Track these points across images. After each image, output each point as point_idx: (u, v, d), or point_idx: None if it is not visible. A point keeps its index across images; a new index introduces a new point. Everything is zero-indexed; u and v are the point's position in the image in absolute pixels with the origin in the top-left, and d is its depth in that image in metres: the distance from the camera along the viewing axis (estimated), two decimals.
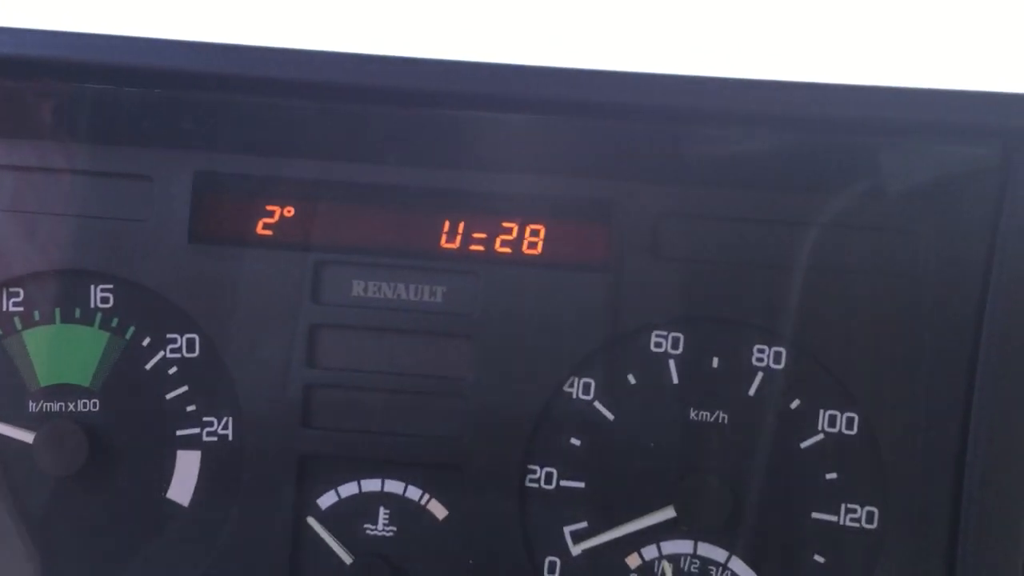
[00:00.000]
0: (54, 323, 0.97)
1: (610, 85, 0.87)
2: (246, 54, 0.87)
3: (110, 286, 0.97)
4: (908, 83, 0.82)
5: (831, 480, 0.93)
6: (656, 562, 0.94)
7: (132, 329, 0.97)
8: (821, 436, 0.93)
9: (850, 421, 0.93)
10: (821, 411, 0.94)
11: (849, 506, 0.93)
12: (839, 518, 0.93)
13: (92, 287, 0.97)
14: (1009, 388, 0.86)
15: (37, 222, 0.98)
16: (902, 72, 0.83)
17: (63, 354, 0.97)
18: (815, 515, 0.93)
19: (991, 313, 0.86)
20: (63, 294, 0.97)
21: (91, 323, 0.97)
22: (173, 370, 0.97)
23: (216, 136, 0.96)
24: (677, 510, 0.92)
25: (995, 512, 0.88)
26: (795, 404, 0.94)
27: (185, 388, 0.97)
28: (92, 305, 0.97)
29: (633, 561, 0.95)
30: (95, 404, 0.97)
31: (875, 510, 0.93)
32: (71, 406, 0.96)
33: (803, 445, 0.93)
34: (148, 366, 0.97)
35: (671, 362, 0.95)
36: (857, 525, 0.93)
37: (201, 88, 0.89)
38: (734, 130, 0.89)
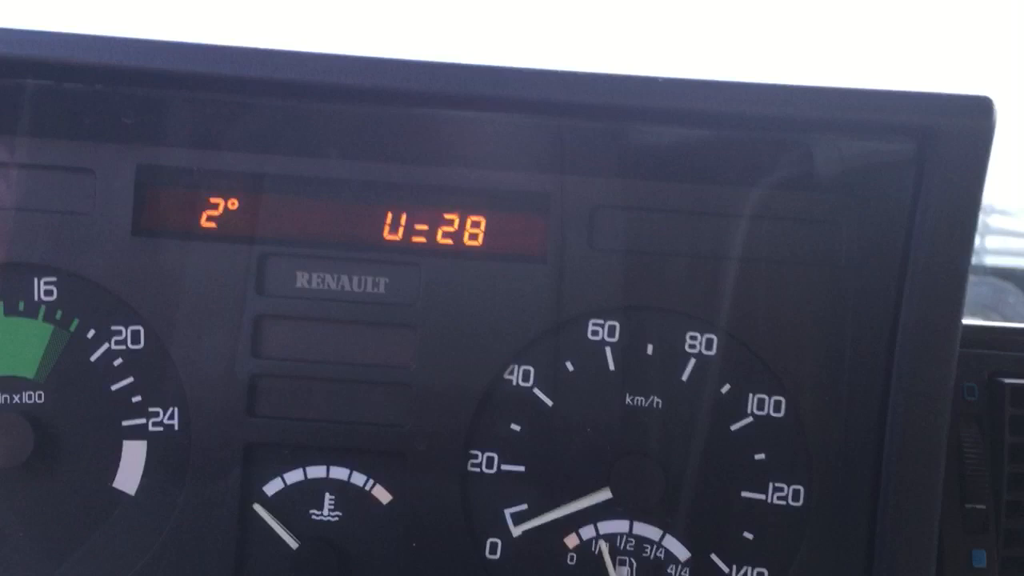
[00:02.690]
0: None
1: (547, 83, 0.89)
2: (187, 51, 0.88)
3: (54, 279, 0.98)
4: (829, 83, 0.86)
5: (759, 460, 0.97)
6: (593, 541, 0.98)
7: (76, 321, 0.98)
8: (750, 419, 0.98)
9: (777, 404, 0.98)
10: (750, 395, 0.98)
11: (776, 485, 0.97)
12: (767, 496, 0.97)
13: (36, 280, 0.98)
14: (925, 372, 0.91)
15: None
16: (824, 71, 0.87)
17: (7, 346, 0.97)
18: (744, 494, 0.97)
19: (908, 301, 0.91)
20: (6, 287, 0.98)
21: (35, 316, 0.98)
22: (118, 361, 0.98)
23: (159, 130, 0.97)
24: (613, 491, 0.96)
25: (912, 490, 0.92)
26: (726, 388, 0.98)
27: (130, 379, 0.98)
28: (36, 298, 0.98)
29: (571, 541, 0.98)
30: (40, 396, 0.97)
31: (801, 488, 0.97)
32: (16, 398, 0.97)
33: (733, 428, 0.98)
34: (93, 358, 0.98)
35: (607, 349, 0.98)
36: (784, 503, 0.97)
37: (143, 84, 0.89)
38: (666, 126, 0.92)
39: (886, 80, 0.86)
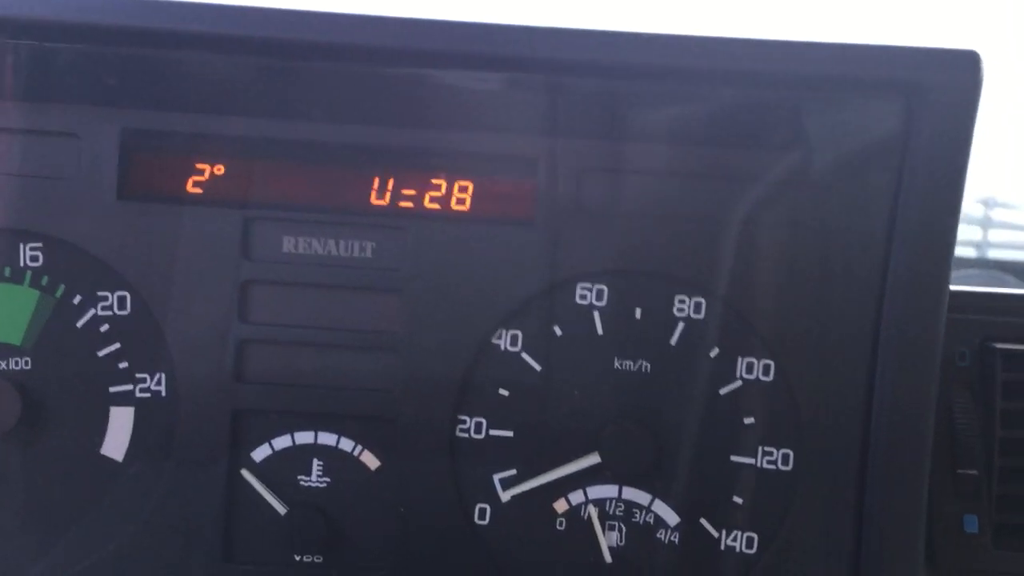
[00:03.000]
0: None
1: (535, 41, 0.88)
2: (172, 9, 0.88)
3: (39, 244, 0.97)
4: (815, 38, 0.85)
5: (749, 424, 0.97)
6: (582, 506, 0.98)
7: (62, 287, 0.98)
8: (739, 383, 0.97)
9: (767, 368, 0.97)
10: (739, 359, 0.97)
11: (766, 449, 0.97)
12: (756, 461, 0.97)
13: (21, 245, 0.97)
14: (912, 335, 0.90)
15: None
16: (809, 27, 0.86)
17: None
18: (734, 458, 0.97)
19: (895, 263, 0.90)
20: None
21: (21, 282, 0.97)
22: (105, 328, 0.98)
23: (144, 93, 0.96)
24: (602, 456, 0.96)
25: (901, 455, 0.92)
26: (714, 353, 0.97)
27: (117, 345, 0.98)
28: (21, 264, 0.97)
29: (560, 506, 0.98)
30: (27, 362, 0.97)
31: (790, 452, 0.97)
32: (2, 364, 0.97)
33: (722, 391, 0.97)
34: (79, 324, 0.97)
35: (596, 313, 0.98)
36: (773, 467, 0.97)
37: (127, 44, 0.89)
38: (654, 86, 0.91)
39: (873, 35, 0.86)
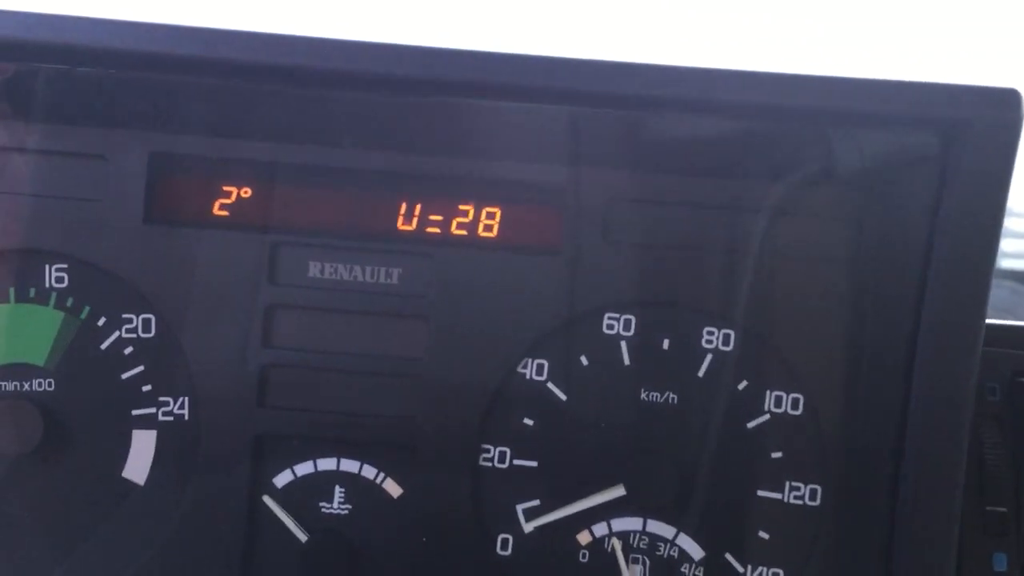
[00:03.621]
0: (8, 302, 0.97)
1: (564, 71, 0.88)
2: (201, 36, 0.87)
3: (65, 266, 0.97)
4: (852, 73, 0.84)
5: (776, 459, 0.96)
6: (606, 539, 0.97)
7: (87, 309, 0.97)
8: (767, 416, 0.96)
9: (795, 402, 0.96)
10: (768, 392, 0.96)
11: (793, 484, 0.96)
12: (783, 495, 0.96)
13: (47, 267, 0.97)
14: (947, 373, 0.89)
15: None
16: (847, 63, 0.85)
17: (18, 333, 0.97)
18: (760, 492, 0.96)
19: (930, 299, 0.89)
20: (18, 273, 0.97)
21: (46, 302, 0.97)
22: (129, 350, 0.97)
23: (172, 117, 0.96)
24: (627, 488, 0.94)
25: (931, 493, 0.90)
26: (743, 385, 0.96)
27: (141, 368, 0.97)
28: (47, 285, 0.97)
29: (584, 538, 0.97)
30: (50, 383, 0.97)
31: (818, 488, 0.96)
32: (26, 385, 0.97)
33: (750, 425, 0.96)
34: (103, 346, 0.97)
35: (623, 344, 0.97)
36: (800, 502, 0.96)
37: (157, 70, 0.88)
38: (684, 117, 0.90)
39: (912, 71, 0.85)
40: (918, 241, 0.90)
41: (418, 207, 0.98)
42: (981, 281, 0.88)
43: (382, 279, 0.98)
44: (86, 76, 0.91)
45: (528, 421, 0.97)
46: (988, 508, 1.02)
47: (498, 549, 0.97)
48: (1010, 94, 0.84)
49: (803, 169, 0.94)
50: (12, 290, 0.97)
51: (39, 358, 0.97)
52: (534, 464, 0.97)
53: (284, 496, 0.97)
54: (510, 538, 0.97)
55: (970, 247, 0.88)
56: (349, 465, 0.98)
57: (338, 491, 0.98)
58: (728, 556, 0.96)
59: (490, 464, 0.97)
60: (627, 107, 0.89)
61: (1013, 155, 0.84)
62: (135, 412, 0.97)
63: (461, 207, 0.98)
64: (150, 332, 0.97)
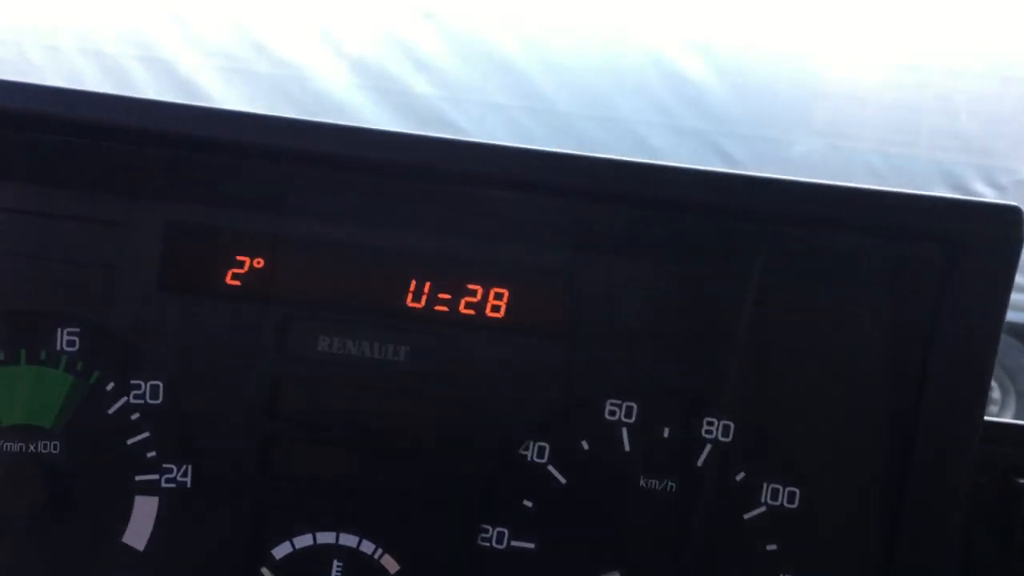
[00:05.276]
0: (19, 363, 0.98)
1: (568, 168, 0.90)
2: (219, 118, 0.90)
3: (77, 329, 0.98)
4: (855, 183, 0.87)
5: (771, 551, 0.97)
6: None
7: (97, 373, 0.98)
8: (764, 508, 0.97)
9: (792, 495, 0.97)
10: (765, 484, 0.97)
11: None
12: None
13: (59, 330, 0.98)
14: (942, 475, 0.91)
15: (6, 263, 0.99)
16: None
17: (27, 395, 0.98)
18: None
19: (927, 401, 0.90)
20: (30, 335, 0.98)
21: (56, 365, 0.98)
22: (136, 416, 0.98)
23: (189, 188, 0.98)
24: (623, 574, 0.95)
25: None
26: (740, 476, 0.98)
27: (147, 434, 0.98)
28: (58, 348, 0.98)
29: None
30: (56, 446, 0.97)
31: None
32: (32, 447, 0.97)
33: (746, 516, 0.97)
34: (111, 411, 0.98)
35: (624, 430, 0.98)
36: None
37: (177, 147, 0.90)
38: (688, 215, 0.92)
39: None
40: (917, 346, 0.92)
41: (427, 285, 1.00)
42: (979, 387, 0.90)
43: (390, 356, 0.99)
44: (105, 147, 0.93)
45: (528, 503, 0.98)
46: None
47: None
48: (1011, 211, 0.86)
49: (806, 268, 0.96)
50: (23, 352, 0.98)
51: (47, 420, 0.98)
52: (532, 546, 0.98)
53: (282, 568, 0.98)
54: None
55: (969, 353, 0.90)
56: (348, 539, 0.98)
57: (336, 565, 0.98)
58: None
59: (488, 544, 0.98)
60: (630, 205, 0.91)
61: (1013, 270, 0.86)
62: (138, 478, 0.98)
63: (470, 286, 1.00)
64: (157, 399, 0.98)
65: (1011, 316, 0.93)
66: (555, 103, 4.42)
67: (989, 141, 4.30)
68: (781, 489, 0.97)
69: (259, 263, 0.99)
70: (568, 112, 4.42)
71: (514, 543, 0.98)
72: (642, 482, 0.98)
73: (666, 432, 0.98)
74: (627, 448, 0.98)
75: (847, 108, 4.30)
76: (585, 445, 0.98)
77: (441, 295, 1.00)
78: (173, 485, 0.98)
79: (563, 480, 0.98)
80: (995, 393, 4.40)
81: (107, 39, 4.24)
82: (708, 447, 0.98)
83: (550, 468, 0.98)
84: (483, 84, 4.45)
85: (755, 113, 4.29)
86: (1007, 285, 0.86)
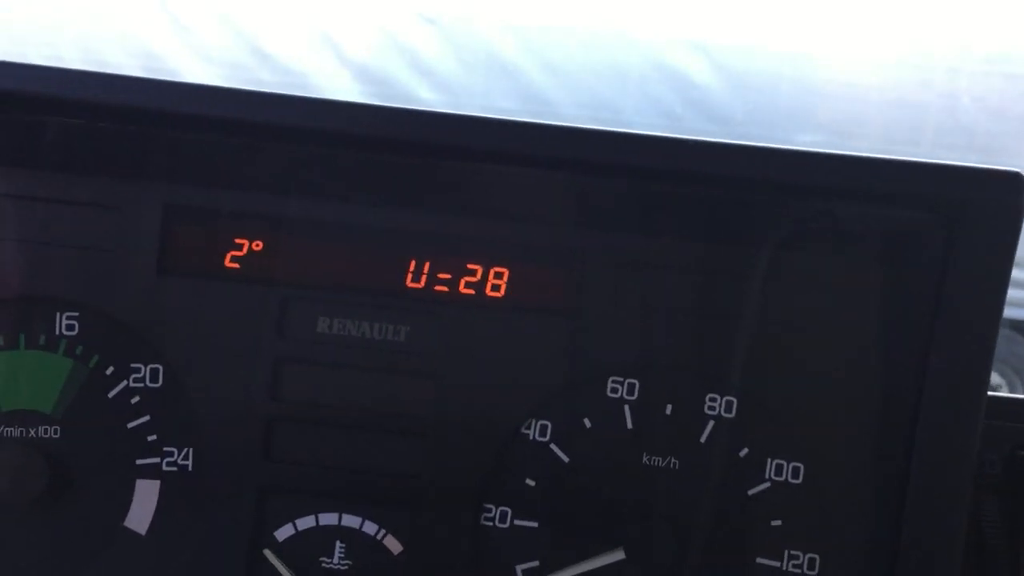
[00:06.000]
0: (18, 349, 0.98)
1: (572, 142, 0.90)
2: (218, 95, 0.89)
3: (76, 314, 0.98)
4: (860, 152, 0.86)
5: (776, 527, 0.96)
6: None
7: (96, 357, 0.98)
8: (768, 484, 0.96)
9: (796, 470, 0.96)
10: (769, 459, 0.97)
11: (792, 552, 0.96)
12: (782, 564, 0.96)
13: (58, 314, 0.98)
14: (947, 446, 0.90)
15: (4, 247, 0.99)
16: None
17: (26, 380, 0.98)
18: (759, 560, 0.96)
19: (932, 373, 0.90)
20: (28, 320, 0.98)
21: (55, 350, 0.98)
22: (136, 399, 0.98)
23: (187, 170, 0.98)
24: (626, 552, 0.95)
25: (929, 567, 0.91)
26: (744, 452, 0.97)
27: (147, 418, 0.98)
28: (57, 332, 0.98)
29: None
30: (56, 431, 0.97)
31: (817, 557, 0.96)
32: (32, 432, 0.97)
33: (750, 492, 0.96)
34: (111, 395, 0.98)
35: (626, 408, 0.98)
36: (799, 571, 0.96)
37: (174, 127, 0.90)
38: (694, 187, 0.92)
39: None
40: (923, 316, 0.91)
41: (427, 265, 0.99)
42: (984, 356, 0.89)
43: (390, 336, 0.99)
44: (102, 128, 0.93)
45: (530, 482, 0.97)
46: None
47: None
48: (1014, 177, 0.85)
49: (809, 240, 0.96)
50: (22, 336, 0.98)
51: (46, 405, 0.97)
52: (535, 525, 0.97)
53: (285, 550, 0.97)
54: None
55: (973, 322, 0.89)
56: (351, 521, 0.98)
57: (339, 546, 0.98)
58: None
59: (491, 523, 0.97)
60: (634, 178, 0.91)
61: (1016, 236, 0.86)
62: (139, 462, 0.97)
63: (470, 266, 0.99)
64: (157, 382, 0.98)
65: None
66: (558, 106, 4.42)
67: (994, 139, 4.29)
68: (785, 464, 0.97)
69: (258, 245, 0.99)
70: (571, 115, 4.42)
71: (517, 522, 0.97)
72: (645, 459, 0.97)
73: (669, 409, 0.98)
74: (630, 425, 0.97)
75: (850, 107, 4.29)
76: (587, 423, 0.98)
77: (441, 275, 0.99)
78: (174, 468, 0.98)
79: (566, 458, 0.97)
80: (1003, 390, 4.38)
81: (110, 48, 4.25)
82: (711, 423, 0.97)
83: (552, 446, 0.98)
84: (486, 88, 4.45)
85: (758, 113, 4.29)
86: (1010, 252, 0.86)
